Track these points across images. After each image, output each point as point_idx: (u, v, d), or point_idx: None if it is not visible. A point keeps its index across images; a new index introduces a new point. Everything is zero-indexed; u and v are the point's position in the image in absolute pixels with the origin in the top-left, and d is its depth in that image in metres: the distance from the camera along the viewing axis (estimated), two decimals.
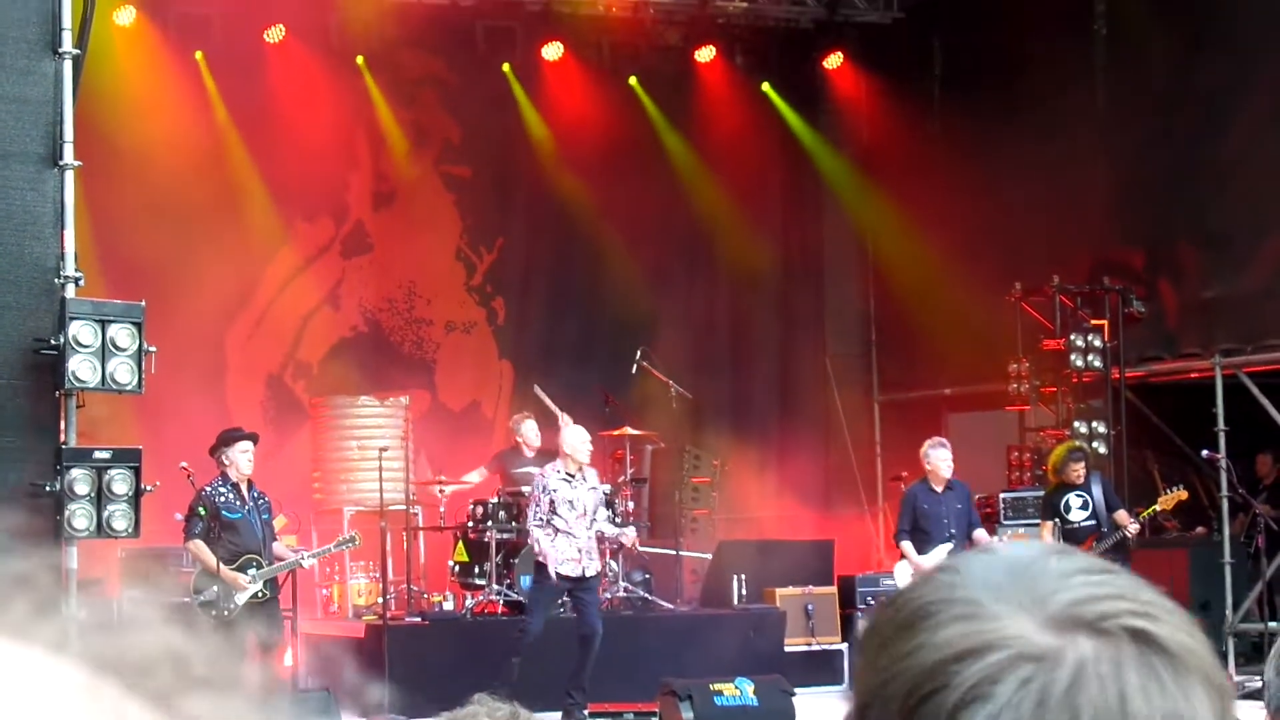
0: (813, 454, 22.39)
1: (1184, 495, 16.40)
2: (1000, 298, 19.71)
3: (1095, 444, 18.86)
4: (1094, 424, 19.05)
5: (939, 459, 15.92)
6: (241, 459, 14.37)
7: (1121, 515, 16.27)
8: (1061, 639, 1.22)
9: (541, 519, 15.09)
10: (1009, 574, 1.27)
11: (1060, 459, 16.46)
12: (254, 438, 14.64)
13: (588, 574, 15.18)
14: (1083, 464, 16.33)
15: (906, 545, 15.80)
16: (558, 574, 14.99)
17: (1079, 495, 16.29)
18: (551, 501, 15.06)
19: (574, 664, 15.03)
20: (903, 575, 15.69)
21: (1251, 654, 17.99)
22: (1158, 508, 16.48)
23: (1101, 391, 19.32)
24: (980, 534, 15.99)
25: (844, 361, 23.22)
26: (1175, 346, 19.31)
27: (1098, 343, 19.17)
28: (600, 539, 15.60)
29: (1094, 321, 19.33)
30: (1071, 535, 16.14)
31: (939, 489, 15.88)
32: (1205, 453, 17.45)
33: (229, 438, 14.53)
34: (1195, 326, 19.04)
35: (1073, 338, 19.14)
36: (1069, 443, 17.31)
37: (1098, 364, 19.16)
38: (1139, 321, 19.49)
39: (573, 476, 15.20)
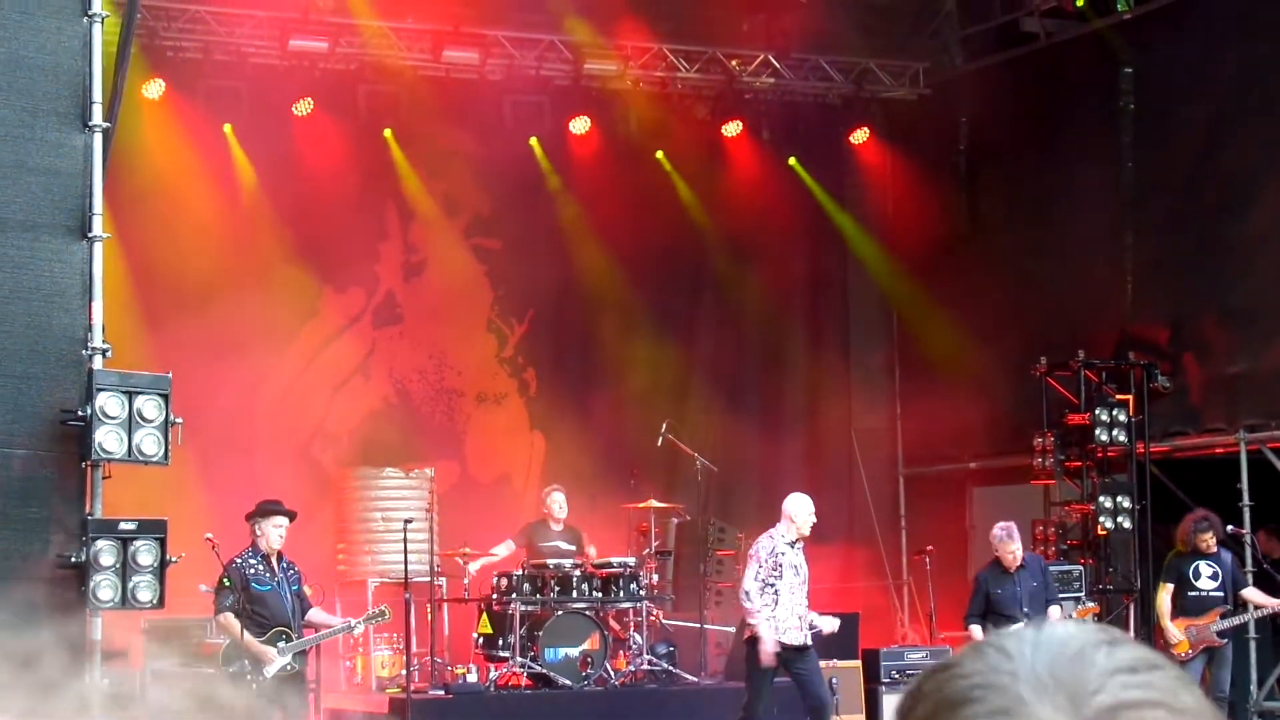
0: (837, 526, 22.30)
1: None
2: (1025, 372, 19.71)
3: (1120, 518, 18.82)
4: (1118, 498, 18.99)
5: (1005, 551, 15.60)
6: (273, 533, 14.23)
7: (1256, 594, 16.23)
8: None
9: (765, 580, 14.59)
10: (1053, 666, 1.29)
11: (1188, 531, 16.21)
12: (291, 515, 14.40)
13: (806, 643, 14.81)
14: (1210, 533, 16.14)
15: (975, 630, 15.56)
16: (779, 643, 14.52)
17: (1209, 564, 16.15)
18: (778, 564, 14.66)
19: None
20: None
21: None
22: None
23: (1126, 466, 19.27)
24: (1055, 611, 15.69)
25: (869, 435, 23.19)
26: (1199, 421, 19.28)
27: (1122, 417, 19.13)
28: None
29: (1119, 396, 19.31)
30: (1198, 603, 16.06)
31: (1010, 570, 15.62)
32: (1230, 528, 17.35)
33: (266, 510, 14.33)
34: (1220, 402, 19.02)
35: (1097, 412, 19.11)
36: (1194, 514, 16.71)
37: (1122, 439, 19.13)
38: (1164, 397, 19.46)
39: (795, 543, 14.91)
